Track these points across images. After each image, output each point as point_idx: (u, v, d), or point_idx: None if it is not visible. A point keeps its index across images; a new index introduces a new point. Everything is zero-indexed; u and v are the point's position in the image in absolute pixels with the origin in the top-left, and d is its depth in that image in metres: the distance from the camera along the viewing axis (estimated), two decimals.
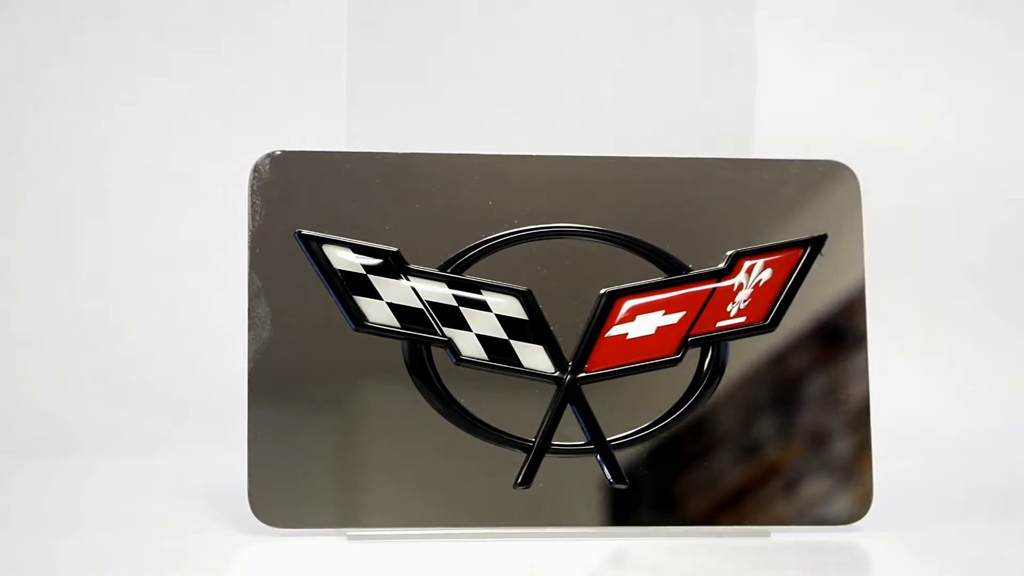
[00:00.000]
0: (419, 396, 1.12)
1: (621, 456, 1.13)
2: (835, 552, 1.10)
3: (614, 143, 1.19)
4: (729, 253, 1.15)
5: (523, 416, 1.13)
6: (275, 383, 1.11)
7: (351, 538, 1.10)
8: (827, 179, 1.16)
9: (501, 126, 1.17)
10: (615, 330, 1.14)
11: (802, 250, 1.16)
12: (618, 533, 1.12)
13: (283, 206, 1.12)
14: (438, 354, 1.12)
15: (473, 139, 1.16)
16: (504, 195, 1.14)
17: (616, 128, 1.20)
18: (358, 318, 1.11)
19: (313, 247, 1.11)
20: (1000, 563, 1.07)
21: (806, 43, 1.52)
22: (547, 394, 1.13)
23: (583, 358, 1.13)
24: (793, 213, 1.16)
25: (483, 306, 1.13)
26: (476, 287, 1.13)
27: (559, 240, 1.14)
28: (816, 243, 1.16)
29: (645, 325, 1.14)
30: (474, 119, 1.17)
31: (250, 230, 1.12)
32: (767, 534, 1.14)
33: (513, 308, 1.13)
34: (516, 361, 1.12)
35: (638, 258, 1.15)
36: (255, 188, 1.12)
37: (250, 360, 1.11)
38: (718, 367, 1.15)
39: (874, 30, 1.52)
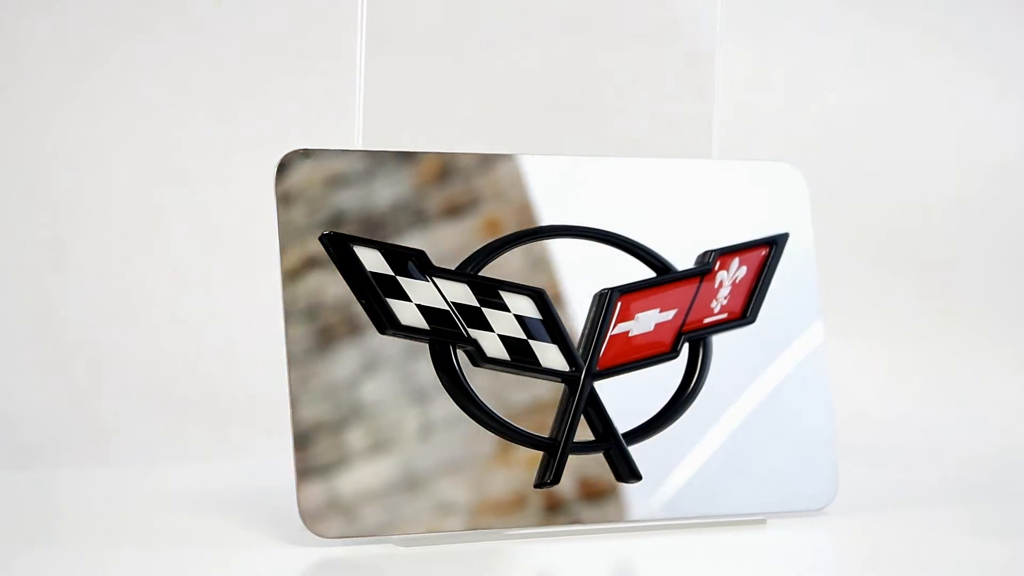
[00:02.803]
0: (446, 396, 1.10)
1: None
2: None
3: (581, 144, 1.21)
4: (712, 251, 1.18)
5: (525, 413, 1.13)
6: (315, 388, 1.07)
7: (404, 543, 1.07)
8: (777, 180, 1.22)
9: (504, 126, 1.17)
10: (619, 328, 1.15)
11: (769, 248, 1.20)
12: (613, 528, 1.13)
13: (308, 205, 1.08)
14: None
15: (481, 138, 1.16)
16: (511, 194, 1.14)
17: (582, 129, 1.22)
18: (391, 321, 1.09)
19: (344, 249, 1.08)
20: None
21: (769, 45, 1.57)
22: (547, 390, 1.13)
23: (595, 356, 1.14)
24: (746, 213, 1.21)
25: (502, 306, 1.12)
26: (494, 287, 1.12)
27: (552, 241, 1.15)
28: (780, 241, 1.21)
29: (645, 322, 1.16)
30: (477, 118, 1.17)
31: (280, 231, 1.07)
32: (764, 521, 1.17)
33: (528, 308, 1.13)
34: (535, 361, 1.12)
35: (624, 257, 1.17)
36: (281, 187, 1.08)
37: (290, 365, 1.07)
38: (706, 361, 1.18)
39: (841, 32, 1.59)
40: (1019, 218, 1.52)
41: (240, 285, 1.38)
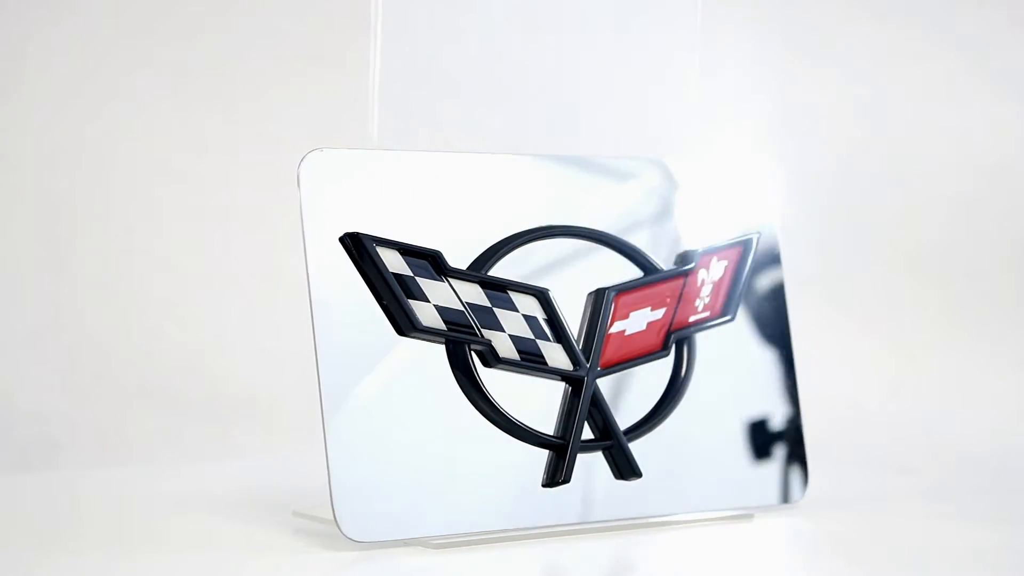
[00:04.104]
0: (463, 397, 1.10)
1: None
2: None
3: (545, 142, 1.22)
4: (694, 250, 1.20)
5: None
6: (349, 390, 1.06)
7: (437, 546, 1.07)
8: (744, 177, 1.24)
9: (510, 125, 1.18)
10: (616, 327, 1.16)
11: (743, 246, 1.23)
12: (603, 527, 1.14)
13: (333, 206, 1.07)
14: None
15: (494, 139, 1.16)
16: (518, 195, 1.15)
17: (550, 127, 1.23)
18: (413, 322, 1.08)
19: (367, 249, 1.07)
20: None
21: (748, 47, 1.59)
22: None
23: (597, 355, 1.15)
24: (715, 210, 1.23)
25: (512, 306, 1.12)
26: (503, 287, 1.12)
27: (543, 241, 1.16)
28: (754, 240, 1.23)
29: (638, 321, 1.17)
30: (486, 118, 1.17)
31: (304, 232, 1.06)
32: (751, 516, 1.20)
33: (534, 307, 1.13)
34: (543, 360, 1.13)
35: (608, 256, 1.18)
36: (304, 187, 1.07)
37: (320, 368, 1.05)
38: (692, 358, 1.20)
39: (830, 30, 1.60)
40: (1015, 218, 1.56)
41: (240, 285, 1.37)
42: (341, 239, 1.07)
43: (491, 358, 1.11)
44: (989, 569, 1.09)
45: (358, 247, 1.07)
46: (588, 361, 1.14)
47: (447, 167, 1.12)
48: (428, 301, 1.09)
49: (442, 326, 1.09)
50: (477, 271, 1.11)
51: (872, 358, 1.53)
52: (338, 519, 1.04)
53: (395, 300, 1.08)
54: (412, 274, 1.09)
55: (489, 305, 1.11)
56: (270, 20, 1.42)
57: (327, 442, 1.05)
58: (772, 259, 1.23)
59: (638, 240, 1.19)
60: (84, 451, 1.30)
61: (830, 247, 1.54)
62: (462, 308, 1.10)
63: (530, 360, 1.12)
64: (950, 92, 1.59)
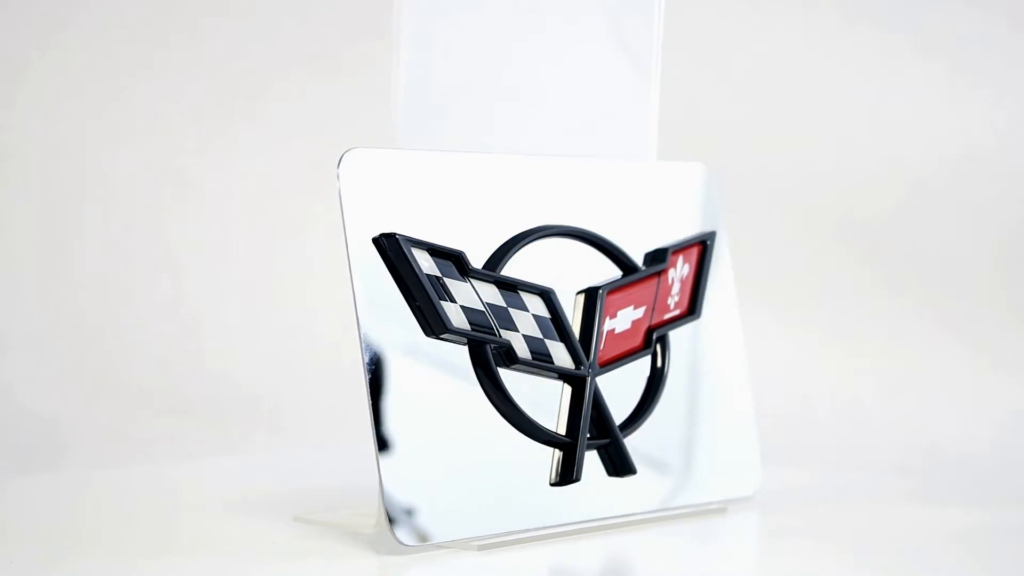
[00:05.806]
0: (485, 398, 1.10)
1: None
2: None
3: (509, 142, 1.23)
4: (665, 249, 1.22)
5: None
6: (393, 391, 1.04)
7: (481, 548, 1.06)
8: (690, 179, 1.27)
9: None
10: (607, 325, 1.18)
11: (703, 245, 1.26)
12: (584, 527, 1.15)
13: (372, 205, 1.05)
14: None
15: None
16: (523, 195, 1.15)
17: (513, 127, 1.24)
18: (445, 324, 1.07)
19: (402, 250, 1.06)
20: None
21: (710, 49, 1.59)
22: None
23: (596, 354, 1.16)
24: (665, 212, 1.25)
25: (523, 306, 1.12)
26: (515, 287, 1.12)
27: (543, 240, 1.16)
28: (711, 238, 1.26)
29: (624, 320, 1.19)
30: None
31: (345, 233, 1.04)
32: (724, 510, 1.22)
33: (540, 307, 1.13)
34: (551, 360, 1.13)
35: (590, 255, 1.19)
36: (344, 186, 1.04)
37: (367, 370, 1.03)
38: (667, 356, 1.22)
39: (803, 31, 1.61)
40: (1009, 216, 1.61)
41: (242, 285, 1.33)
42: (375, 240, 1.05)
43: (508, 358, 1.10)
44: (974, 554, 1.13)
45: (393, 248, 1.06)
46: (588, 360, 1.14)
47: (476, 167, 1.11)
48: (455, 302, 1.08)
49: (467, 327, 1.08)
50: (491, 271, 1.11)
51: (865, 359, 1.57)
52: (392, 524, 1.02)
53: (428, 302, 1.07)
54: (440, 275, 1.07)
55: (504, 305, 1.11)
56: (279, 21, 1.39)
57: (376, 441, 1.03)
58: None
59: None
60: (86, 452, 1.28)
61: (823, 248, 1.57)
62: (483, 308, 1.09)
63: (540, 360, 1.12)
64: (941, 92, 1.64)
